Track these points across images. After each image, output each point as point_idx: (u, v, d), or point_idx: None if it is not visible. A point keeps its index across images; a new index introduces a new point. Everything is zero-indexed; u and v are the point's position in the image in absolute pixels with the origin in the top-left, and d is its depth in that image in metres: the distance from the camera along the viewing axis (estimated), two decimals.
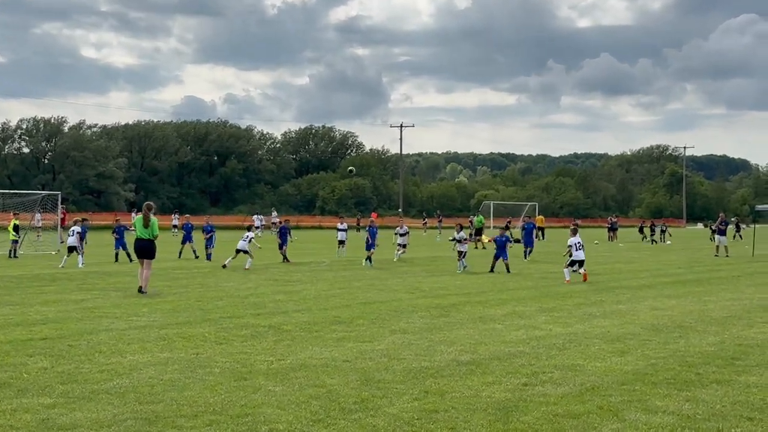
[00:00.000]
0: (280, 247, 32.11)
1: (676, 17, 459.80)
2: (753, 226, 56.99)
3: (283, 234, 32.47)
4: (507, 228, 33.79)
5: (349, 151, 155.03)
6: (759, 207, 57.54)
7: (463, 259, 28.33)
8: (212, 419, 7.95)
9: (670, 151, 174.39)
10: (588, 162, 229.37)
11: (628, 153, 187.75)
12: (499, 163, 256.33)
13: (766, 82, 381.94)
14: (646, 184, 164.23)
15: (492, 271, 27.66)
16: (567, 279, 24.01)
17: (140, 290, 19.17)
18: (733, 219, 70.74)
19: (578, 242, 24.91)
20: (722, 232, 42.46)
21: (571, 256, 24.77)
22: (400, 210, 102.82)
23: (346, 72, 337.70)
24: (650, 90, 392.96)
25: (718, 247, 41.68)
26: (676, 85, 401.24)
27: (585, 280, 24.10)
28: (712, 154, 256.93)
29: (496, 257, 28.02)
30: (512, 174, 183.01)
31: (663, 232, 59.94)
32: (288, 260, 31.33)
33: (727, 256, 39.60)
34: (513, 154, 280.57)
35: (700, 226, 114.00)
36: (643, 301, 19.32)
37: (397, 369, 10.56)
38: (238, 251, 28.48)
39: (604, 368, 10.84)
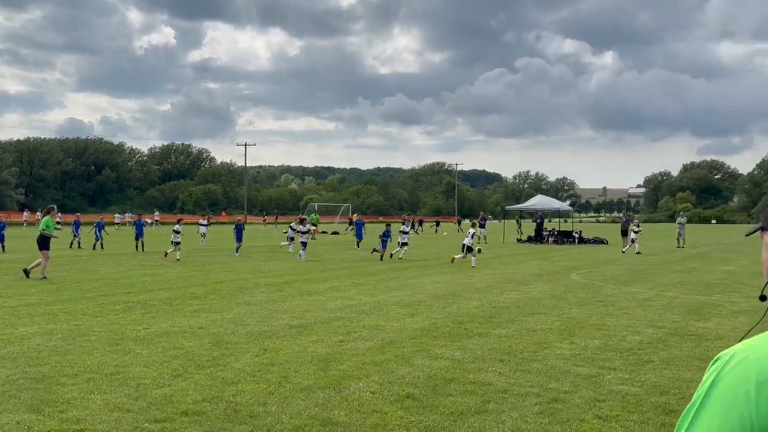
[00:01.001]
0: (137, 238, 30.78)
1: (450, 68, 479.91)
2: (503, 221, 59.85)
3: (139, 227, 31.30)
4: (354, 224, 33.86)
5: (203, 163, 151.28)
6: (508, 207, 60.57)
7: (303, 250, 26.20)
8: (90, 377, 7.50)
9: (446, 167, 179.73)
10: (388, 174, 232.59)
11: (417, 168, 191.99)
12: (321, 174, 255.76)
13: (512, 118, 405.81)
14: (429, 190, 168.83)
15: (381, 259, 26.29)
16: (473, 265, 22.98)
17: (25, 272, 17.87)
18: (466, 218, 73.79)
19: (471, 232, 24.68)
20: (482, 226, 44.40)
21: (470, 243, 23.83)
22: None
23: (201, 101, 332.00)
24: (432, 121, 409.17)
25: (479, 237, 43.48)
26: (451, 119, 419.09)
27: (452, 261, 24.29)
28: (475, 169, 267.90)
29: (383, 247, 26.93)
30: (332, 182, 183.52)
31: (437, 224, 61.91)
32: (143, 249, 29.99)
33: (486, 243, 41.34)
34: (332, 167, 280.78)
35: (466, 221, 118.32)
36: (427, 276, 19.86)
37: (241, 333, 10.34)
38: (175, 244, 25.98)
39: (399, 327, 11.04)
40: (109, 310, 12.56)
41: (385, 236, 27.45)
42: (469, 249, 23.67)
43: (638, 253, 31.07)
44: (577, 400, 6.87)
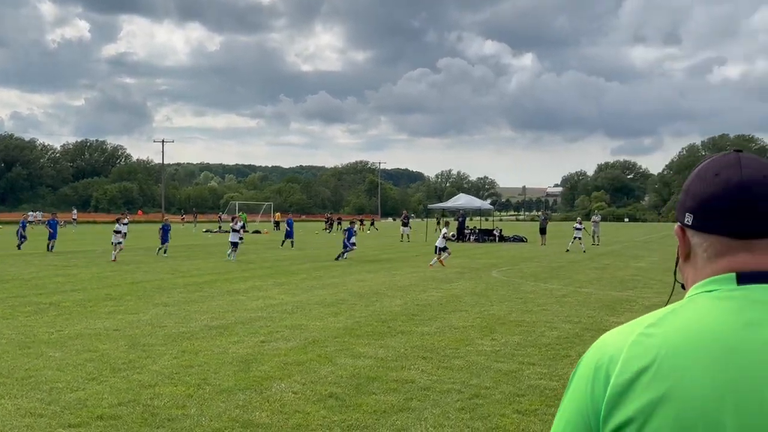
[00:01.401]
0: (50, 237, 29.67)
1: (373, 67, 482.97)
2: (426, 220, 60.53)
3: (54, 227, 30.22)
4: (286, 223, 33.66)
5: (119, 161, 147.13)
6: (430, 206, 61.11)
7: (234, 251, 25.21)
8: (0, 382, 7.19)
9: (369, 165, 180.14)
10: (310, 172, 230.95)
11: (340, 166, 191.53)
12: (242, 171, 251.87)
13: (435, 117, 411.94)
14: (352, 189, 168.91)
15: (338, 258, 25.72)
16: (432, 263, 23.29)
17: None
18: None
19: (443, 231, 24.44)
20: (405, 224, 44.70)
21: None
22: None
23: (116, 97, 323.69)
24: (356, 120, 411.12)
25: (402, 235, 43.80)
26: (374, 117, 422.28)
27: (441, 265, 23.87)
28: (398, 168, 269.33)
29: (345, 246, 26.41)
30: (253, 180, 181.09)
31: (362, 222, 62.16)
32: (51, 249, 28.99)
33: (408, 241, 41.70)
34: (253, 165, 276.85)
35: (390, 220, 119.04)
36: (350, 275, 19.89)
37: (159, 334, 10.11)
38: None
39: (322, 326, 11.02)
40: (20, 312, 12.06)
41: (350, 236, 26.91)
42: (440, 250, 23.50)
43: (584, 252, 31.78)
44: (498, 396, 7.02)
